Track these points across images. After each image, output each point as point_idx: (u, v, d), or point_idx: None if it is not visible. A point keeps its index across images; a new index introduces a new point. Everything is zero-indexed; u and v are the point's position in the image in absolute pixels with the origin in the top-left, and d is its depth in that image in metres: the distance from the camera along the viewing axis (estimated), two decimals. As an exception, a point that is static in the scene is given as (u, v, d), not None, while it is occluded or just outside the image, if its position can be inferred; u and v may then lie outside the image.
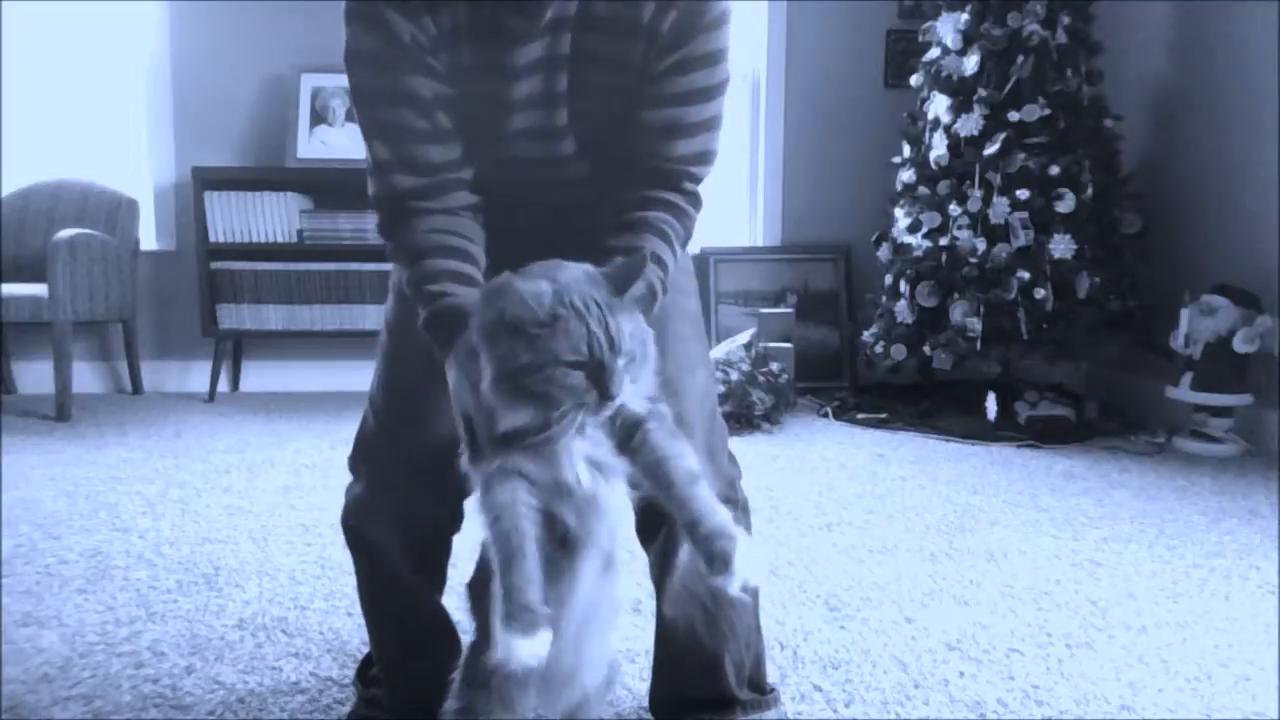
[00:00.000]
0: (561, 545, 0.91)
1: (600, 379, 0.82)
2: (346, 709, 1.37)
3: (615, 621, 1.05)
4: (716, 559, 0.83)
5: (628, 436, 0.89)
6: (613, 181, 1.12)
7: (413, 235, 1.06)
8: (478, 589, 1.00)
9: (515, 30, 1.04)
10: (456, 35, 1.04)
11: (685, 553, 1.15)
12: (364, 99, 1.07)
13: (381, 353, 1.21)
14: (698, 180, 1.13)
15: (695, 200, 1.13)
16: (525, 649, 0.82)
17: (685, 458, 0.88)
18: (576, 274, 0.86)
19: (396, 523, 1.14)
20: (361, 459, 1.19)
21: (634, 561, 1.75)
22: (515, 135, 1.11)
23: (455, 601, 1.20)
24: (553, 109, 1.10)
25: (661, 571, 1.17)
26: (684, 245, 1.12)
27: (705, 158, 1.12)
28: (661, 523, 1.12)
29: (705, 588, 1.17)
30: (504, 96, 1.08)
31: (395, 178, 1.07)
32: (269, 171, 3.96)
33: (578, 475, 0.87)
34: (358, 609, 1.32)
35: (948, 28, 3.44)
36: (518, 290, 0.82)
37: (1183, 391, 3.08)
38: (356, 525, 1.18)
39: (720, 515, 0.85)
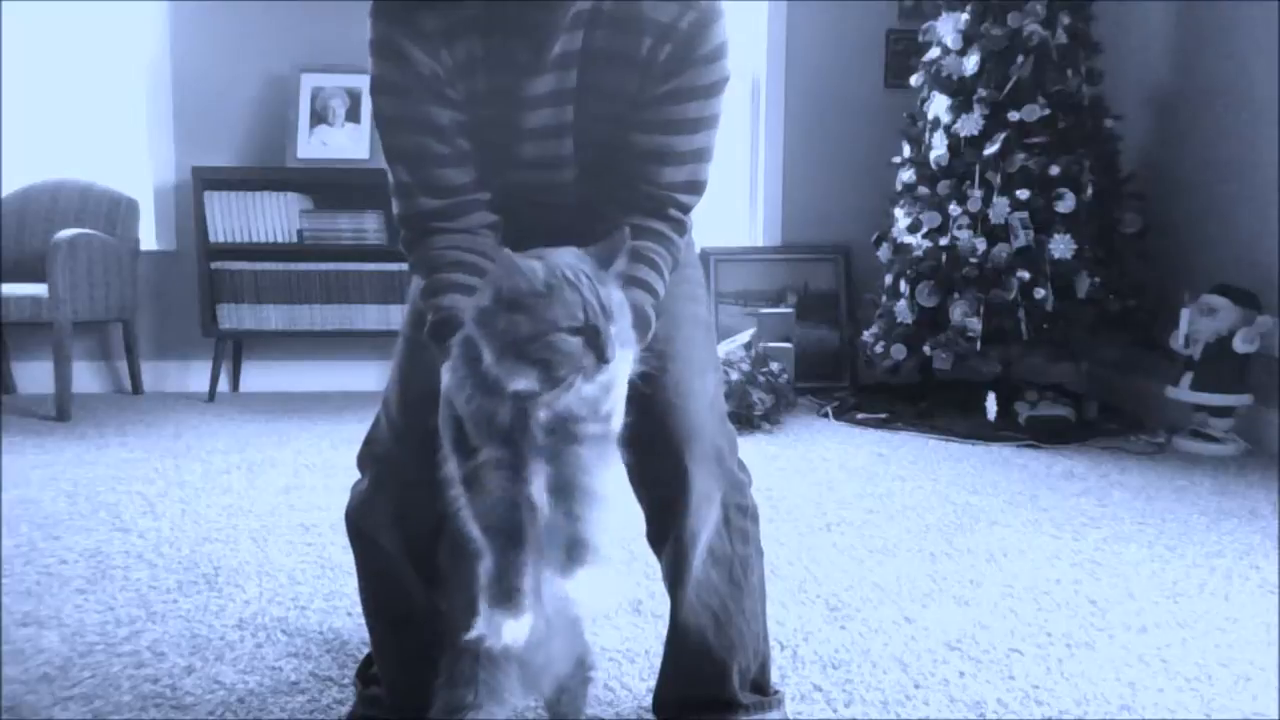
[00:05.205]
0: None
1: (596, 343, 0.88)
2: (346, 709, 1.37)
3: (581, 620, 1.10)
4: (572, 556, 0.90)
5: (559, 440, 0.91)
6: (610, 207, 1.16)
7: (430, 252, 1.13)
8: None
9: (525, 63, 1.10)
10: (471, 66, 1.10)
11: (698, 562, 1.18)
12: (387, 126, 1.14)
13: (397, 358, 1.24)
14: (685, 209, 1.18)
15: (681, 227, 1.18)
16: (511, 630, 0.89)
17: (599, 484, 0.93)
18: (563, 253, 0.92)
19: (399, 522, 1.16)
20: (370, 458, 1.21)
21: (634, 562, 1.76)
22: (525, 163, 1.18)
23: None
24: (560, 139, 1.16)
25: (674, 580, 1.19)
26: (672, 270, 1.17)
27: (693, 187, 1.17)
28: (670, 530, 1.13)
29: (717, 599, 1.20)
30: (516, 126, 1.14)
31: (418, 200, 1.14)
32: (269, 172, 3.95)
33: (533, 498, 0.91)
34: (358, 609, 1.33)
35: (948, 28, 3.44)
36: (513, 266, 0.87)
37: (1183, 391, 3.08)
38: (359, 522, 1.20)
39: (598, 537, 0.91)
